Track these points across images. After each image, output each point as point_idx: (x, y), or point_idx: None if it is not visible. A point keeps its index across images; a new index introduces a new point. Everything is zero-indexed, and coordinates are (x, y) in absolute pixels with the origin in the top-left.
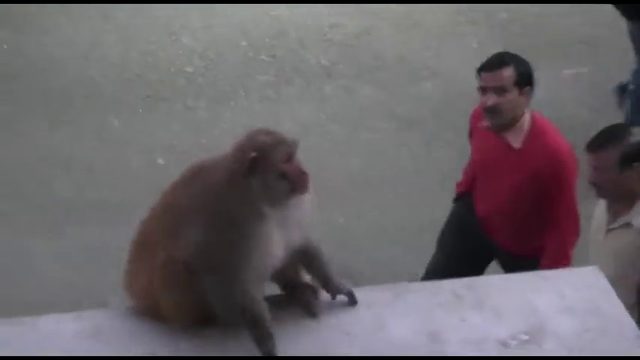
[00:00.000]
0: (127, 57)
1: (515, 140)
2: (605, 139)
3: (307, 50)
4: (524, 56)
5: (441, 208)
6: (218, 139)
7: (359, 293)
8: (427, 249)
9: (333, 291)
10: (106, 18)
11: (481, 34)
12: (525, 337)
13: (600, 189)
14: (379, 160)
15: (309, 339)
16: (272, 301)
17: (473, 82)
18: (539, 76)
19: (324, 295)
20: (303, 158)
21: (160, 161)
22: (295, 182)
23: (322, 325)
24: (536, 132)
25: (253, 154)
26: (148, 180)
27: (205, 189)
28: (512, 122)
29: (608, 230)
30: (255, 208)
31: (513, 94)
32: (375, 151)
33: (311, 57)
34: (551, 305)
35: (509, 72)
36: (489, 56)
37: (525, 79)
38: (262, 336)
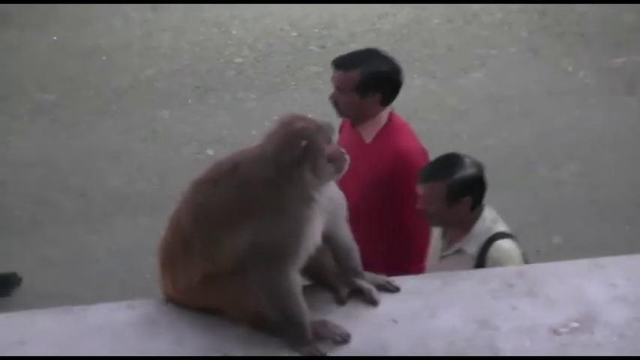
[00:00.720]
0: (176, 48)
1: (368, 135)
2: (433, 172)
3: (356, 40)
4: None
5: (492, 201)
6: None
7: (408, 282)
8: None
9: (369, 281)
10: (155, 10)
11: (532, 22)
12: (576, 325)
13: (430, 218)
14: (430, 150)
15: (358, 327)
16: (305, 289)
17: (523, 72)
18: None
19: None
20: None
21: (210, 152)
22: (339, 163)
23: (371, 313)
24: (390, 130)
25: (304, 142)
26: (198, 171)
27: (251, 185)
28: (361, 118)
29: (442, 257)
30: (306, 195)
31: (352, 97)
32: (425, 141)
33: (360, 47)
34: (602, 293)
35: (351, 75)
36: (347, 53)
37: (373, 85)
38: (305, 339)
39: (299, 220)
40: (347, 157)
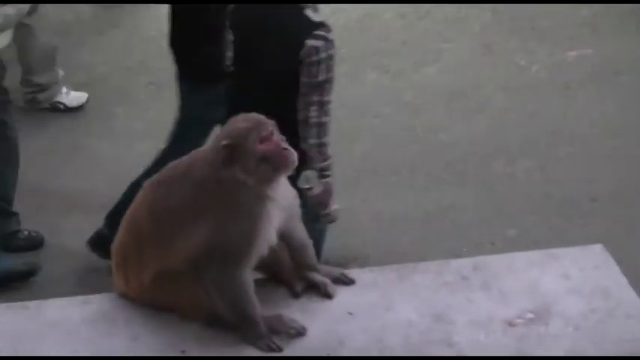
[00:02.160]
0: (128, 44)
1: None
2: None
3: None
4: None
5: (447, 195)
6: None
7: (364, 274)
8: (433, 235)
9: (324, 275)
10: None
11: (485, 17)
12: (531, 316)
13: None
14: (384, 145)
15: (313, 319)
16: (259, 284)
17: (477, 67)
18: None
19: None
20: None
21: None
22: (276, 160)
23: (327, 307)
24: None
25: (225, 142)
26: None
27: (203, 185)
28: None
29: None
30: (260, 194)
31: None
32: (379, 136)
33: None
34: (557, 285)
35: None
36: None
37: None
38: (258, 333)
39: (253, 219)
40: (287, 152)
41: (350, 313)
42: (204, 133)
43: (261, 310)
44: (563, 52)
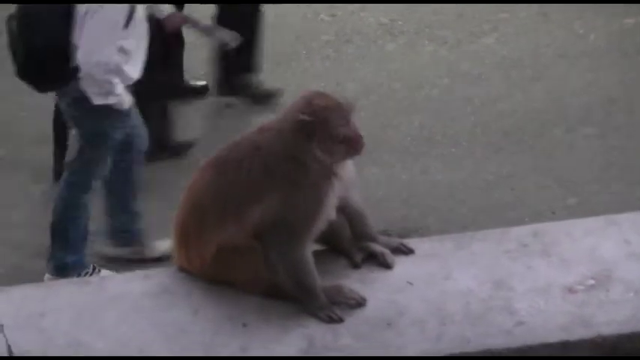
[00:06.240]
0: None
1: None
2: None
3: (366, 9)
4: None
5: (506, 164)
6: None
7: (423, 244)
8: (493, 205)
9: (383, 245)
10: None
11: None
12: (592, 282)
13: None
14: (442, 116)
15: (373, 290)
16: (319, 255)
17: (534, 36)
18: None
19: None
20: (365, 117)
21: None
22: (353, 145)
23: (386, 277)
24: None
25: (310, 119)
26: None
27: (274, 160)
28: None
29: None
30: (328, 170)
31: None
32: (437, 107)
33: (370, 15)
34: (617, 251)
35: None
36: None
37: None
38: (319, 304)
39: (320, 196)
40: (362, 138)
41: (409, 283)
42: None
43: (321, 281)
44: (620, 20)
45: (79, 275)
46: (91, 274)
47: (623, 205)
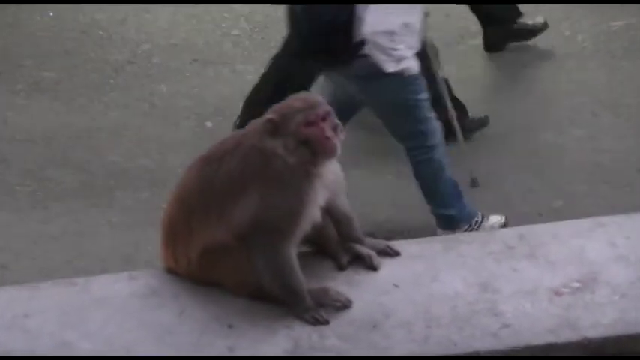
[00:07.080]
0: (173, 21)
1: None
2: None
3: None
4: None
5: (492, 165)
6: None
7: (409, 246)
8: (479, 207)
9: (369, 247)
10: None
11: None
12: (577, 285)
13: None
14: None
15: (359, 292)
16: (305, 257)
17: None
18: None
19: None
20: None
21: (209, 125)
22: (318, 147)
23: (372, 279)
24: None
25: (271, 116)
26: (197, 144)
27: (254, 157)
28: None
29: None
30: (309, 171)
31: None
32: None
33: None
34: (603, 253)
35: None
36: None
37: None
38: (305, 306)
39: (299, 196)
40: (330, 141)
41: (396, 285)
42: None
43: (306, 283)
44: (607, 22)
45: (469, 226)
46: (480, 223)
47: (610, 208)
